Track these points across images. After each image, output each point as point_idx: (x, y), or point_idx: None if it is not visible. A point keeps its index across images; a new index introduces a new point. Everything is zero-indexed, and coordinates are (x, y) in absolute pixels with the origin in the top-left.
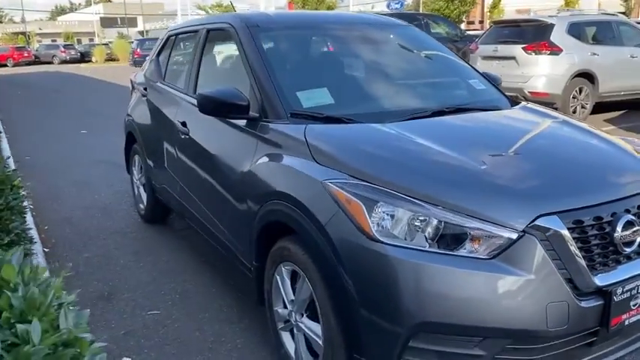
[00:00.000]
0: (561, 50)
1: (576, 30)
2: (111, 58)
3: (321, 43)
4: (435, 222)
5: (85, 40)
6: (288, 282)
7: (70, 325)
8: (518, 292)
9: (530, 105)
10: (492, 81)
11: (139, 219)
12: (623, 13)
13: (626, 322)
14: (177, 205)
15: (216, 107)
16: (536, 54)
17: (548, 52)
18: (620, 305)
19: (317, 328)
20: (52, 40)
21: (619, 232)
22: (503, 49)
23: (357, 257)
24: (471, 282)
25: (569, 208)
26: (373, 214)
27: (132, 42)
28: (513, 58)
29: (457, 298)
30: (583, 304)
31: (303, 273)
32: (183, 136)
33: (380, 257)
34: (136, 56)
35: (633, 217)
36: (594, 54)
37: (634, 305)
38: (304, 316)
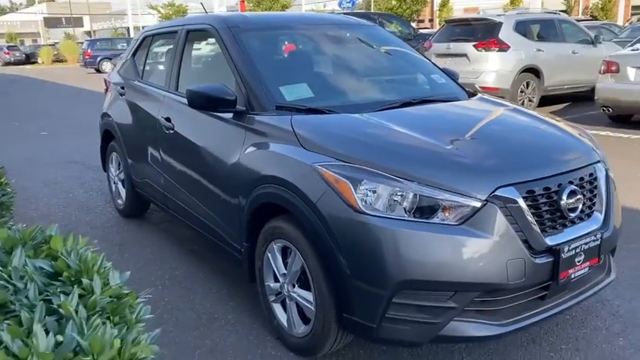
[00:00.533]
0: (509, 47)
1: (522, 28)
2: (58, 59)
3: (297, 42)
4: (411, 195)
5: (29, 41)
6: (279, 257)
7: (117, 282)
8: (483, 251)
9: (486, 96)
10: (451, 76)
11: (118, 214)
12: (564, 11)
13: (572, 276)
14: (161, 197)
15: (206, 102)
16: (485, 51)
17: (497, 48)
18: (567, 261)
19: (309, 295)
20: None
21: (564, 200)
22: (456, 47)
23: (346, 229)
24: (444, 244)
25: (523, 180)
26: (358, 191)
27: (81, 43)
28: (465, 55)
29: (432, 259)
30: (537, 260)
31: (294, 247)
32: (167, 131)
33: (366, 227)
34: (87, 57)
35: (576, 188)
36: (539, 50)
37: (578, 262)
38: (296, 286)
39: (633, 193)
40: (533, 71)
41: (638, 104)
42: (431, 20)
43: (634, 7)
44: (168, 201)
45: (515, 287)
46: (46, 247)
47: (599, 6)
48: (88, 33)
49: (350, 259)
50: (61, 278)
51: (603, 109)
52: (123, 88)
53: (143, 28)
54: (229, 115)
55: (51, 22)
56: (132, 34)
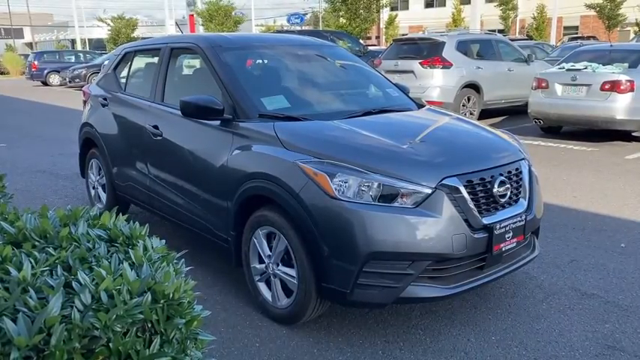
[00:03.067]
0: (452, 64)
1: (463, 47)
2: (0, 72)
3: (272, 60)
4: (376, 185)
5: None
6: (264, 242)
7: (158, 245)
8: (433, 228)
9: (433, 107)
10: (403, 90)
11: None
12: (502, 30)
13: (503, 249)
14: (146, 198)
15: (197, 110)
16: (430, 68)
17: (441, 66)
18: (498, 237)
19: (292, 271)
20: None
21: (496, 188)
22: (403, 64)
23: (324, 213)
24: (403, 223)
25: (463, 172)
26: (334, 182)
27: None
28: (412, 71)
29: (394, 235)
30: (475, 235)
31: (279, 232)
32: (155, 138)
33: (341, 211)
34: (33, 69)
35: (505, 179)
36: (479, 68)
37: (507, 237)
38: (280, 265)
39: (558, 192)
40: (474, 87)
41: (565, 116)
42: (377, 37)
43: (566, 28)
44: (153, 201)
45: (459, 257)
46: (98, 221)
47: (534, 26)
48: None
49: (328, 238)
50: (116, 244)
51: (535, 121)
52: (105, 99)
53: (90, 40)
54: (216, 123)
55: None
56: (78, 46)
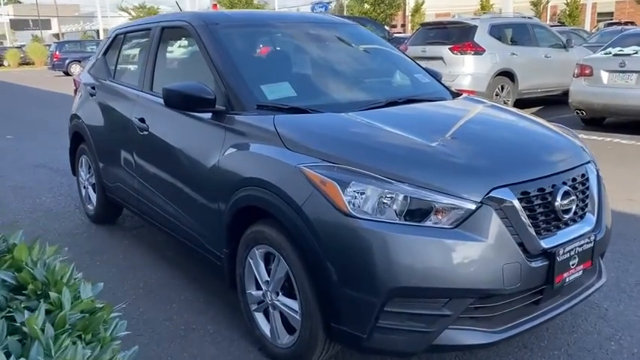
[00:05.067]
0: (484, 50)
1: (497, 31)
2: (26, 62)
3: (278, 40)
4: (402, 197)
5: None
6: (262, 264)
7: (89, 295)
8: (478, 256)
9: (471, 96)
10: (434, 75)
11: (88, 220)
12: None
13: (567, 280)
14: (134, 202)
15: (183, 101)
16: (461, 54)
17: (473, 52)
18: (562, 265)
19: (294, 304)
20: None
21: (558, 201)
22: (431, 50)
23: (334, 233)
24: (437, 249)
25: (517, 180)
26: (347, 193)
27: (49, 45)
28: (441, 58)
29: (425, 264)
30: (532, 264)
31: (278, 253)
32: (142, 132)
33: (355, 231)
34: (55, 59)
35: (569, 189)
36: (513, 54)
37: (572, 264)
38: (280, 294)
39: (610, 194)
40: (508, 74)
41: (611, 107)
42: (403, 25)
43: (599, 14)
44: (142, 205)
45: (511, 292)
46: (9, 256)
47: (567, 12)
48: (56, 35)
49: (338, 265)
50: (25, 292)
51: (577, 112)
52: (94, 88)
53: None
54: (208, 115)
55: (18, 25)
56: (102, 37)
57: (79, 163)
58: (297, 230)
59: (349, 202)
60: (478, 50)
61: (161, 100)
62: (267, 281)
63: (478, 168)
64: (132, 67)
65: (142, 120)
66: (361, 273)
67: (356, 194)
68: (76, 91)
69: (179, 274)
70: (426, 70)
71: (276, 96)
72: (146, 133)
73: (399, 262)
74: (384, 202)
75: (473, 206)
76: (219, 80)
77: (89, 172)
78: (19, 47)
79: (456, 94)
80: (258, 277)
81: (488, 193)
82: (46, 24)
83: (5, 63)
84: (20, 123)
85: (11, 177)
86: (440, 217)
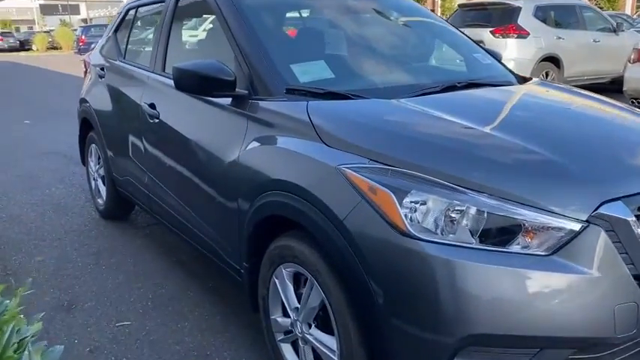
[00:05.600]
0: (528, 34)
1: (542, 13)
2: (53, 47)
3: (312, 13)
4: (480, 212)
5: (25, 29)
6: (290, 286)
7: None
8: (582, 293)
9: (544, 81)
10: (494, 56)
11: (98, 216)
12: None
13: None
14: (145, 199)
15: (197, 83)
16: (503, 37)
17: (516, 35)
18: None
19: (330, 341)
20: None
21: None
22: (470, 33)
23: (386, 257)
24: (528, 284)
25: (633, 192)
26: (404, 205)
27: (75, 30)
28: (481, 42)
29: (511, 304)
30: None
31: (312, 276)
32: (152, 120)
33: (416, 257)
34: (81, 44)
35: None
36: (560, 38)
37: None
38: (312, 326)
39: None
40: (553, 60)
41: None
42: (432, 10)
43: None
44: (153, 204)
45: (623, 341)
46: None
47: None
48: (84, 20)
49: (391, 299)
50: None
51: (632, 102)
52: (103, 69)
53: None
54: (227, 101)
55: (47, 10)
56: None
57: (88, 152)
58: (337, 251)
59: (407, 217)
60: (522, 33)
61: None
62: (297, 308)
63: (583, 175)
64: (144, 46)
65: (152, 106)
66: (423, 312)
67: (419, 206)
68: (86, 72)
69: (194, 284)
70: (485, 49)
71: (310, 78)
72: (156, 121)
73: (475, 300)
74: (451, 219)
75: (577, 226)
76: (240, 58)
77: (99, 163)
78: (48, 32)
79: (523, 78)
80: (285, 301)
81: (596, 209)
82: (74, 9)
83: (34, 47)
84: (40, 108)
85: (23, 164)
86: (531, 241)
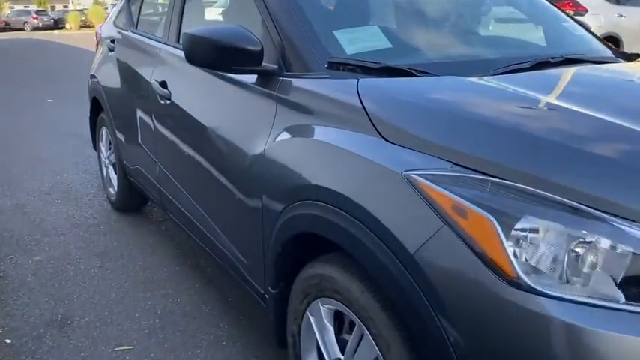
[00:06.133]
0: (586, 11)
1: None
2: (86, 25)
3: None
4: (623, 250)
5: (60, 7)
6: (330, 329)
7: None
8: None
9: None
10: (583, 26)
11: (109, 207)
12: None
13: None
14: (156, 194)
15: (212, 55)
16: None
17: (572, 12)
18: None
19: None
20: (25, 7)
21: None
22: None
23: (479, 313)
24: None
25: None
26: (511, 236)
27: (106, 8)
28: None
29: None
30: None
31: (362, 323)
32: (162, 101)
33: (530, 317)
34: None
35: None
36: (621, 15)
37: None
38: None
39: None
40: (613, 40)
41: None
42: None
43: None
44: (164, 200)
45: None
46: None
47: None
48: None
49: None
50: None
51: None
52: (113, 42)
53: None
54: (251, 79)
55: None
56: None
57: (99, 135)
58: (402, 294)
59: (520, 257)
60: (579, 10)
61: None
62: None
63: None
64: (157, 13)
65: (164, 84)
66: None
67: (526, 238)
68: (97, 45)
69: (211, 296)
70: (572, 17)
71: (359, 48)
72: (168, 102)
73: None
74: (583, 257)
75: None
76: (269, 24)
77: (110, 149)
78: (81, 10)
79: (626, 55)
80: (322, 347)
81: None
82: None
83: (67, 26)
84: (66, 86)
85: (37, 146)
86: None
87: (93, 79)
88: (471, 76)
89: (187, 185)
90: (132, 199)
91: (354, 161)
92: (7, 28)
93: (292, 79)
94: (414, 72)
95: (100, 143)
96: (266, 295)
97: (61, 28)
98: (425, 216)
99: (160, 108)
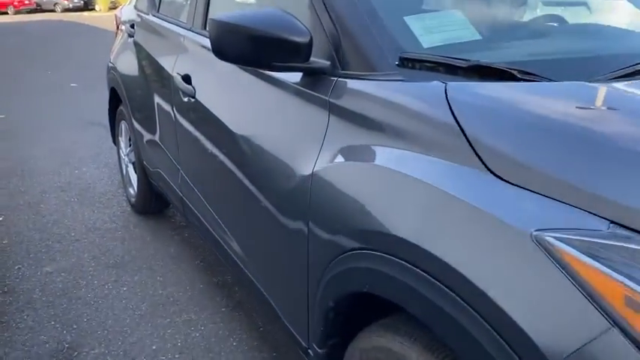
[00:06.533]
0: None
1: None
2: (115, 7)
3: None
4: None
5: None
6: None
7: None
8: None
9: None
10: None
11: (129, 208)
12: None
13: None
14: (178, 202)
15: (247, 47)
16: None
17: None
18: None
19: None
20: None
21: None
22: None
23: None
24: None
25: None
26: None
27: None
28: (584, 3)
29: None
30: None
31: None
32: (185, 99)
33: None
34: None
35: None
36: None
37: None
38: None
39: None
40: None
41: None
42: None
43: None
44: (187, 211)
45: None
46: None
47: None
48: None
49: None
50: None
51: None
52: (133, 26)
53: None
54: (295, 77)
55: None
56: None
57: (118, 129)
58: None
59: None
60: None
61: None
62: None
63: None
64: None
65: (187, 78)
66: None
67: None
68: (117, 30)
69: (241, 325)
70: None
71: (438, 39)
72: (192, 100)
73: None
74: None
75: None
76: (319, 6)
77: (129, 145)
78: None
79: None
80: None
81: None
82: None
83: (97, 7)
84: (90, 70)
85: (57, 135)
86: None
87: (111, 68)
88: (592, 80)
89: (212, 201)
90: (153, 202)
91: (447, 204)
92: (38, 9)
93: (350, 81)
94: (517, 74)
95: (120, 138)
96: (309, 350)
97: (91, 10)
98: (576, 306)
99: (182, 106)
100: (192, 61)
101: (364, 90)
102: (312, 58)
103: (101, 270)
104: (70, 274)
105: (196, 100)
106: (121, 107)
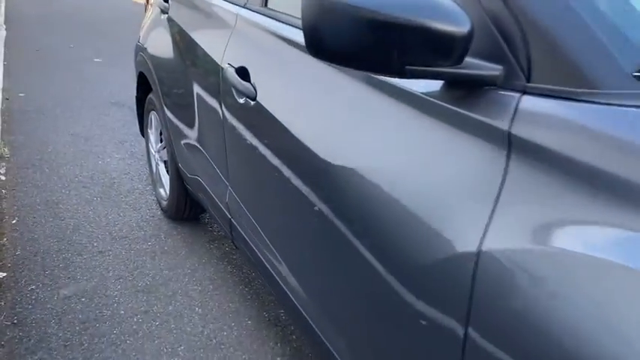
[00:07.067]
0: None
1: None
2: None
3: None
4: None
5: None
6: None
7: None
8: None
9: None
10: None
11: (159, 211)
12: None
13: None
14: (225, 224)
15: (366, 40)
16: None
17: None
18: None
19: None
20: None
21: None
22: None
23: None
24: None
25: None
26: None
27: None
28: None
29: None
30: None
31: None
32: (241, 99)
33: None
34: None
35: None
36: None
37: None
38: None
39: None
40: None
41: None
42: None
43: None
44: (237, 236)
45: None
46: None
47: None
48: None
49: None
50: None
51: None
52: (167, 0)
53: None
54: (432, 87)
55: None
56: None
57: (148, 120)
58: None
59: None
60: None
61: (288, 29)
62: None
63: None
64: None
65: (243, 72)
66: None
67: None
68: (147, 4)
69: None
70: None
71: None
72: (250, 103)
73: None
74: None
75: None
76: None
77: (160, 141)
78: None
79: None
80: None
81: None
82: None
83: None
84: (116, 44)
85: (79, 118)
86: None
87: (140, 49)
88: None
89: (280, 244)
90: (188, 209)
91: None
92: None
93: (550, 101)
94: None
95: (149, 130)
96: None
97: None
98: None
99: (235, 108)
100: (250, 49)
101: (580, 118)
102: (467, 59)
103: (128, 296)
104: (92, 301)
105: (257, 104)
106: (151, 96)
